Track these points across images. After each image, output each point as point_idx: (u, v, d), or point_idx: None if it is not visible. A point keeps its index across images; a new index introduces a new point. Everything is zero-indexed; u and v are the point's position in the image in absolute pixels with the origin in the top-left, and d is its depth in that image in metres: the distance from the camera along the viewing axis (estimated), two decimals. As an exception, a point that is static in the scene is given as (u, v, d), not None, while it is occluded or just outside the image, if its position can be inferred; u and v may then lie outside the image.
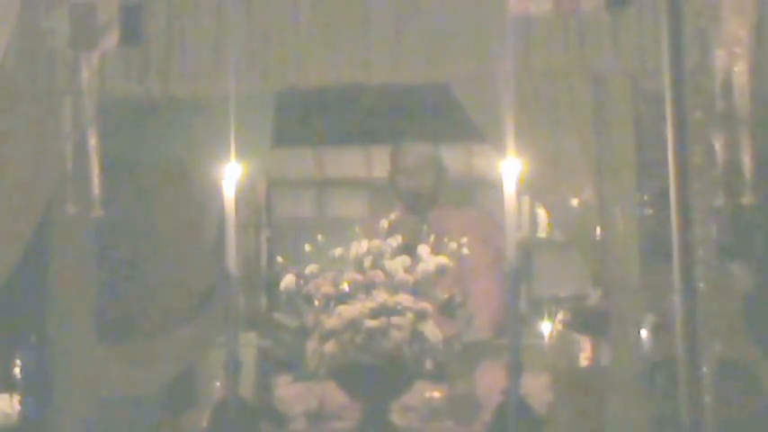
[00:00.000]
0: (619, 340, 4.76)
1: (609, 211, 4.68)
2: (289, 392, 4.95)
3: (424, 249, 4.41)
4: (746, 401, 4.41)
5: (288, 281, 4.45)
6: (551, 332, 5.69)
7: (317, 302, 4.38)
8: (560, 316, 5.78)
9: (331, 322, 4.28)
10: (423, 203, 5.31)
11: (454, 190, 5.67)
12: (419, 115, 5.79)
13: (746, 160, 4.17)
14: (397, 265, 4.36)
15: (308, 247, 4.52)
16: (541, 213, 6.44)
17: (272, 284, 5.04)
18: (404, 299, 4.29)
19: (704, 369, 4.14)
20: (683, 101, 3.75)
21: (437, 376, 4.60)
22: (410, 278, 4.34)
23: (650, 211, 4.72)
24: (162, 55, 4.77)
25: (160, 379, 5.28)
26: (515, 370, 3.82)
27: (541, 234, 6.60)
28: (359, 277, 4.36)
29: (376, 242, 4.40)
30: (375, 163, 6.33)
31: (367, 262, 4.38)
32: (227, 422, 4.07)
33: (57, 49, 4.75)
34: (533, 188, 4.78)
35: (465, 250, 4.43)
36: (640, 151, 4.65)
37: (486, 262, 4.98)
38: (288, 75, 4.74)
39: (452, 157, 5.67)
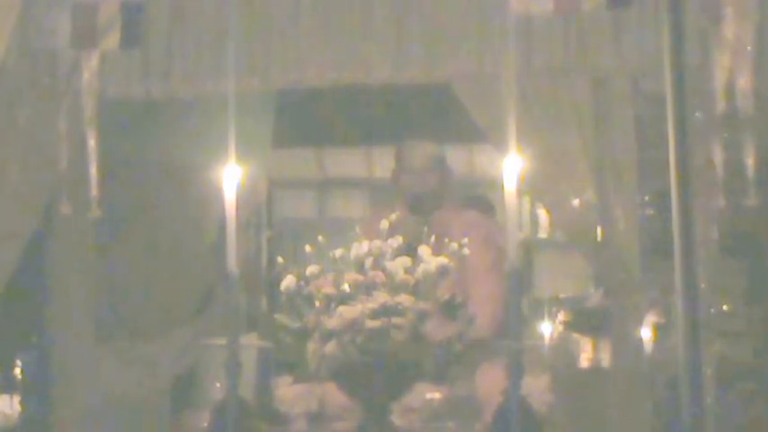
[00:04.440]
0: (619, 340, 4.76)
1: (610, 211, 4.68)
2: (289, 393, 4.95)
3: (424, 250, 4.41)
4: (746, 401, 4.41)
5: (288, 281, 4.45)
6: (552, 333, 5.70)
7: (317, 303, 4.38)
8: (561, 316, 5.80)
9: (332, 323, 4.28)
10: (426, 204, 5.28)
11: (455, 190, 5.67)
12: (420, 116, 5.79)
13: (748, 161, 4.17)
14: (398, 265, 4.36)
15: (308, 248, 4.51)
16: (542, 214, 6.45)
17: (272, 285, 5.03)
18: (404, 299, 4.29)
19: (704, 369, 4.13)
20: (684, 101, 3.73)
21: (438, 377, 4.60)
22: (411, 279, 4.34)
23: (651, 212, 4.73)
24: (162, 55, 4.76)
25: (160, 379, 5.28)
26: (516, 370, 3.81)
27: (542, 234, 6.61)
28: (360, 278, 4.35)
29: (377, 243, 4.40)
30: (376, 163, 6.34)
31: (368, 263, 4.38)
32: (227, 422, 4.06)
33: (57, 49, 4.74)
34: (534, 188, 4.78)
35: (466, 251, 4.43)
36: (641, 151, 4.65)
37: (487, 263, 4.98)
38: (288, 75, 4.73)
39: (453, 157, 5.67)
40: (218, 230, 4.92)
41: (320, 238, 4.52)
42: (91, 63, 4.71)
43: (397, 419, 4.47)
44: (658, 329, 4.73)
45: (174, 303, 5.35)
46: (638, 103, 4.66)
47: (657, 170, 4.36)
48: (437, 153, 5.36)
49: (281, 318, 4.49)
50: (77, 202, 4.76)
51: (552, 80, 4.70)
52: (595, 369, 5.11)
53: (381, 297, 4.29)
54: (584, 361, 5.31)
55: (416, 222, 5.06)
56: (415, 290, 4.34)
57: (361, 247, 4.41)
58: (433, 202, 5.30)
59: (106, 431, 5.15)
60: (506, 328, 3.99)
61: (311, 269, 4.45)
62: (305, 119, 5.91)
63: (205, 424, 4.52)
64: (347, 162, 6.54)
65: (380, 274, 4.36)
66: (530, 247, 6.26)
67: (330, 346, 4.28)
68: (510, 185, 3.81)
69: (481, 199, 6.11)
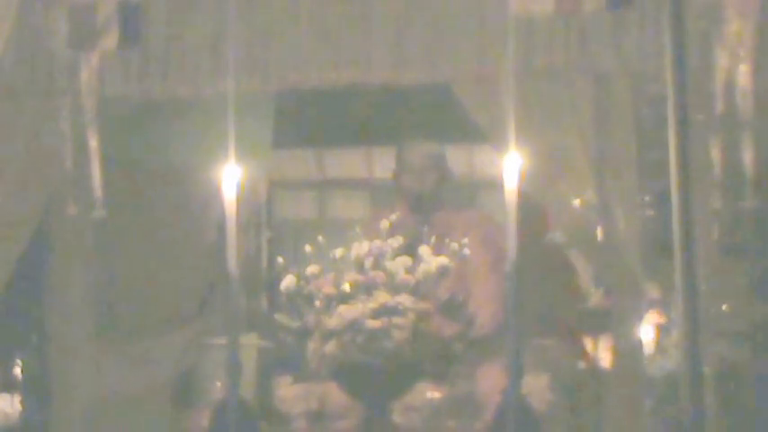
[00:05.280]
0: (619, 340, 4.76)
1: (610, 211, 4.68)
2: (289, 393, 4.95)
3: (425, 250, 4.42)
4: (746, 401, 4.41)
5: (288, 281, 4.46)
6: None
7: (317, 303, 4.39)
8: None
9: (332, 323, 4.29)
10: (425, 203, 5.28)
11: (455, 190, 5.66)
12: (420, 116, 5.78)
13: (747, 161, 4.17)
14: (399, 265, 4.37)
15: (308, 248, 4.52)
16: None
17: (272, 285, 5.03)
18: (405, 299, 4.30)
19: (704, 369, 4.14)
20: (684, 102, 3.74)
21: (438, 376, 4.61)
22: (411, 278, 4.35)
23: (652, 212, 4.72)
24: (161, 55, 4.76)
25: (160, 379, 5.28)
26: (516, 370, 3.82)
27: (542, 234, 6.59)
28: (360, 278, 4.36)
29: (377, 243, 4.41)
30: (376, 164, 6.33)
31: (368, 262, 4.39)
32: (227, 422, 4.07)
33: (56, 50, 4.73)
34: (534, 188, 4.77)
35: (466, 251, 4.44)
36: (642, 152, 4.65)
37: (487, 263, 4.97)
38: (288, 75, 4.73)
39: (454, 158, 5.66)
40: (218, 231, 4.92)
41: (320, 238, 4.53)
42: (90, 63, 4.71)
43: (397, 418, 4.49)
44: (658, 329, 4.73)
45: (174, 303, 5.35)
46: (639, 103, 4.65)
47: (658, 170, 4.36)
48: (437, 152, 5.36)
49: (281, 318, 4.50)
50: (78, 201, 4.77)
51: (552, 80, 4.69)
52: (595, 369, 5.11)
53: (382, 297, 4.30)
54: (584, 360, 5.30)
55: (417, 222, 5.06)
56: (415, 290, 4.35)
57: (362, 247, 4.42)
58: (433, 202, 5.29)
59: (106, 431, 5.15)
60: (506, 327, 3.99)
61: (311, 269, 4.46)
62: (305, 119, 5.90)
63: (205, 424, 4.52)
64: (347, 162, 6.53)
65: (381, 273, 4.37)
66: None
67: (330, 346, 4.29)
68: (510, 186, 3.81)
69: None
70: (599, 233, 4.76)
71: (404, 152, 5.37)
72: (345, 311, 4.30)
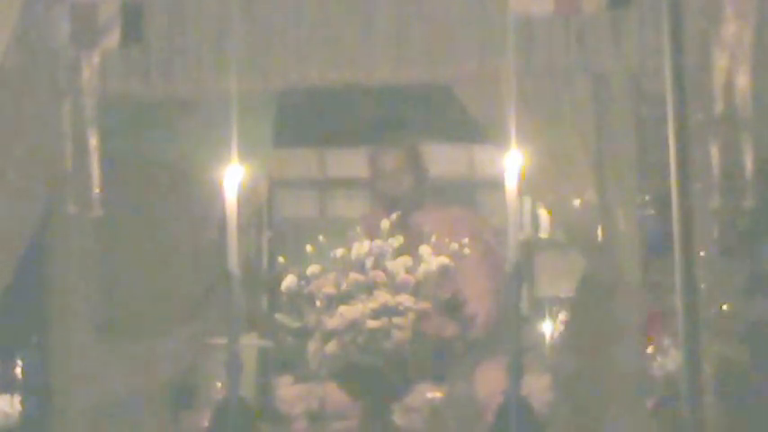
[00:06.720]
0: (619, 340, 4.76)
1: (610, 211, 4.68)
2: (290, 393, 4.95)
3: (425, 250, 4.42)
4: (746, 401, 4.41)
5: (289, 281, 4.47)
6: (552, 332, 5.70)
7: (318, 303, 4.39)
8: (561, 316, 5.79)
9: (332, 323, 4.30)
10: (402, 206, 5.23)
11: (455, 190, 5.66)
12: (421, 116, 5.78)
13: (748, 162, 4.17)
14: (399, 265, 4.37)
15: (309, 248, 4.53)
16: (543, 214, 6.44)
17: (273, 285, 5.04)
18: (405, 299, 4.30)
19: (704, 369, 4.14)
20: (684, 102, 3.75)
21: (438, 377, 4.61)
22: (412, 278, 4.35)
23: (651, 212, 4.72)
24: (163, 55, 4.77)
25: (160, 379, 5.28)
26: (516, 370, 3.82)
27: (543, 234, 6.60)
28: (360, 278, 4.36)
29: (378, 242, 4.42)
30: (377, 163, 6.32)
31: (369, 262, 4.39)
32: (227, 422, 4.07)
33: (57, 49, 4.75)
34: (535, 188, 4.78)
35: (467, 251, 4.44)
36: (642, 152, 4.65)
37: (475, 260, 4.93)
38: (289, 75, 4.75)
39: (454, 158, 5.68)
40: (218, 230, 4.92)
41: (321, 238, 4.53)
42: (91, 62, 4.72)
43: (397, 419, 4.49)
44: (659, 329, 4.72)
45: (173, 303, 5.34)
46: (639, 103, 4.66)
47: (658, 170, 4.37)
48: (409, 155, 5.31)
49: (281, 317, 4.50)
50: (78, 201, 4.77)
51: (552, 80, 4.70)
52: (595, 369, 5.10)
53: (382, 297, 4.30)
54: (584, 361, 5.29)
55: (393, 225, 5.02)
56: (415, 290, 4.35)
57: (362, 247, 4.42)
58: (410, 204, 5.24)
59: (106, 431, 5.15)
60: (506, 327, 3.99)
61: (312, 269, 4.47)
62: (306, 119, 5.90)
63: (205, 424, 4.52)
64: (348, 162, 6.53)
65: (381, 273, 4.37)
66: (530, 247, 6.25)
67: (331, 346, 4.29)
68: (511, 185, 3.81)
69: None
70: (599, 233, 4.76)
71: (375, 157, 5.34)
72: (346, 311, 4.30)
